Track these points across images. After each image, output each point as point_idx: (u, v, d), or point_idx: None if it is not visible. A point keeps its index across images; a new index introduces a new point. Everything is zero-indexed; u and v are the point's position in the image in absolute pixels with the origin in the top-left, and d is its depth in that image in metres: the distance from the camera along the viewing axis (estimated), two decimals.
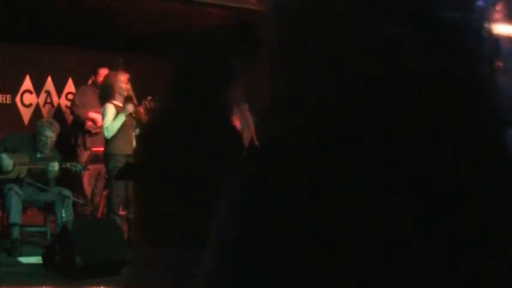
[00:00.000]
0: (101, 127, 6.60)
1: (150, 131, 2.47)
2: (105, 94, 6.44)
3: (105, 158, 6.42)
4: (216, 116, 2.37)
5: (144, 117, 6.38)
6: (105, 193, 7.29)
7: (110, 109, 6.29)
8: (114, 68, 6.76)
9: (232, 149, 2.39)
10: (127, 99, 6.36)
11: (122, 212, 6.48)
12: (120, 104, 6.36)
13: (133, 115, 6.36)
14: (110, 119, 6.26)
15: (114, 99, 6.36)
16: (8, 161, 6.21)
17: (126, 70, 6.55)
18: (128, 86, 6.45)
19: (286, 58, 0.82)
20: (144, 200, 2.41)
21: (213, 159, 2.27)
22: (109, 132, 6.29)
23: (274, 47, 0.83)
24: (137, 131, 6.42)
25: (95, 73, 7.54)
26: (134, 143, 6.26)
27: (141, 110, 6.51)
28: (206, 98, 2.35)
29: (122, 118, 6.23)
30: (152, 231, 2.36)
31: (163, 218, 2.32)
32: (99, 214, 7.18)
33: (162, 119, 2.48)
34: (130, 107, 6.26)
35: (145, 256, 2.38)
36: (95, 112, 7.25)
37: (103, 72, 7.45)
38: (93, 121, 7.29)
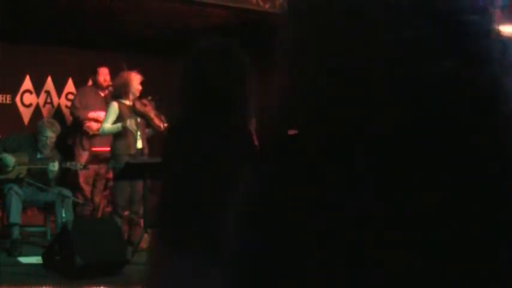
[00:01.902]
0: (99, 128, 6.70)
1: (170, 140, 2.51)
2: (118, 92, 6.44)
3: (110, 157, 6.45)
4: (233, 125, 2.41)
5: (152, 116, 6.38)
6: (105, 193, 7.29)
7: (113, 110, 6.30)
8: (121, 69, 6.74)
9: (246, 156, 2.43)
10: (131, 115, 6.32)
11: (125, 213, 6.49)
12: (129, 103, 6.36)
13: (139, 112, 6.36)
14: (110, 120, 6.28)
15: (127, 98, 6.37)
16: (11, 160, 6.21)
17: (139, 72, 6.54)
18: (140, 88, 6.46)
19: (299, 58, 0.82)
20: (164, 203, 2.46)
21: (228, 167, 2.31)
22: (103, 132, 6.39)
23: (288, 48, 0.83)
24: (148, 131, 6.44)
25: (95, 73, 7.53)
26: (139, 144, 6.27)
27: (150, 107, 6.49)
28: (223, 108, 2.38)
29: (118, 127, 6.23)
30: (170, 232, 2.40)
31: (182, 220, 2.36)
32: (99, 214, 7.18)
33: (179, 128, 2.51)
34: (131, 123, 6.22)
35: (160, 257, 2.43)
36: (95, 112, 7.26)
37: (103, 71, 7.44)
38: (96, 120, 7.28)
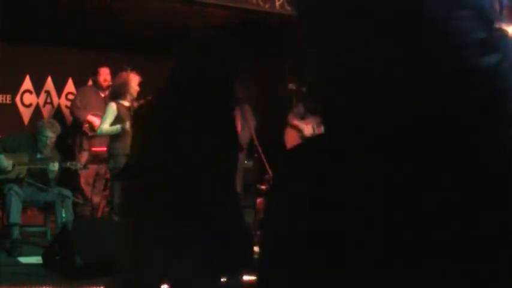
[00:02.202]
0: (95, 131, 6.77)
1: (149, 130, 2.51)
2: (117, 92, 6.43)
3: (108, 157, 6.45)
4: (218, 116, 2.41)
5: None
6: (104, 193, 7.29)
7: (111, 111, 6.28)
8: (120, 70, 6.73)
9: (229, 150, 2.44)
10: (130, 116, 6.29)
11: None
12: (128, 104, 6.34)
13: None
14: (108, 121, 6.26)
15: (125, 99, 6.36)
16: (6, 162, 6.20)
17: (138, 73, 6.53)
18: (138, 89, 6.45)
19: (301, 59, 0.82)
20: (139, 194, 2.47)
21: (210, 159, 2.33)
22: (101, 133, 6.42)
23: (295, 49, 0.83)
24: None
25: (95, 73, 7.52)
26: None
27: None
28: (209, 100, 2.39)
29: (117, 129, 6.22)
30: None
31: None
32: (99, 214, 7.18)
33: (161, 119, 2.52)
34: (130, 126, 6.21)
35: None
36: (94, 115, 7.26)
37: (103, 71, 7.44)
38: (91, 124, 7.29)
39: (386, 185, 0.74)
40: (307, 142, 0.83)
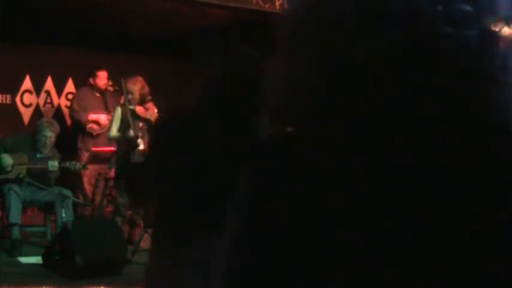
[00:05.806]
0: (104, 127, 6.95)
1: (168, 136, 2.52)
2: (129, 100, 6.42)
3: (110, 157, 6.47)
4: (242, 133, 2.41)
5: (153, 119, 6.36)
6: (106, 193, 7.28)
7: (117, 114, 6.30)
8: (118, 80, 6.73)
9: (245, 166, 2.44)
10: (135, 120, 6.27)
11: (127, 212, 6.47)
12: (132, 107, 6.32)
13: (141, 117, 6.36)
14: (115, 125, 6.28)
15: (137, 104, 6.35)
16: (8, 161, 6.20)
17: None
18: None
19: (296, 58, 0.82)
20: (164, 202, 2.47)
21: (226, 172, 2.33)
22: (110, 138, 6.49)
23: (287, 47, 0.83)
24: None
25: (93, 76, 7.49)
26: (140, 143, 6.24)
27: (152, 111, 6.46)
28: (241, 118, 2.38)
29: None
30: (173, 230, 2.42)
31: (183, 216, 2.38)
32: (99, 214, 7.17)
33: (185, 126, 2.52)
34: (140, 144, 6.16)
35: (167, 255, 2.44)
36: (95, 113, 7.27)
37: (102, 75, 7.42)
38: (96, 122, 7.29)
39: (378, 183, 0.74)
40: (298, 137, 0.82)
